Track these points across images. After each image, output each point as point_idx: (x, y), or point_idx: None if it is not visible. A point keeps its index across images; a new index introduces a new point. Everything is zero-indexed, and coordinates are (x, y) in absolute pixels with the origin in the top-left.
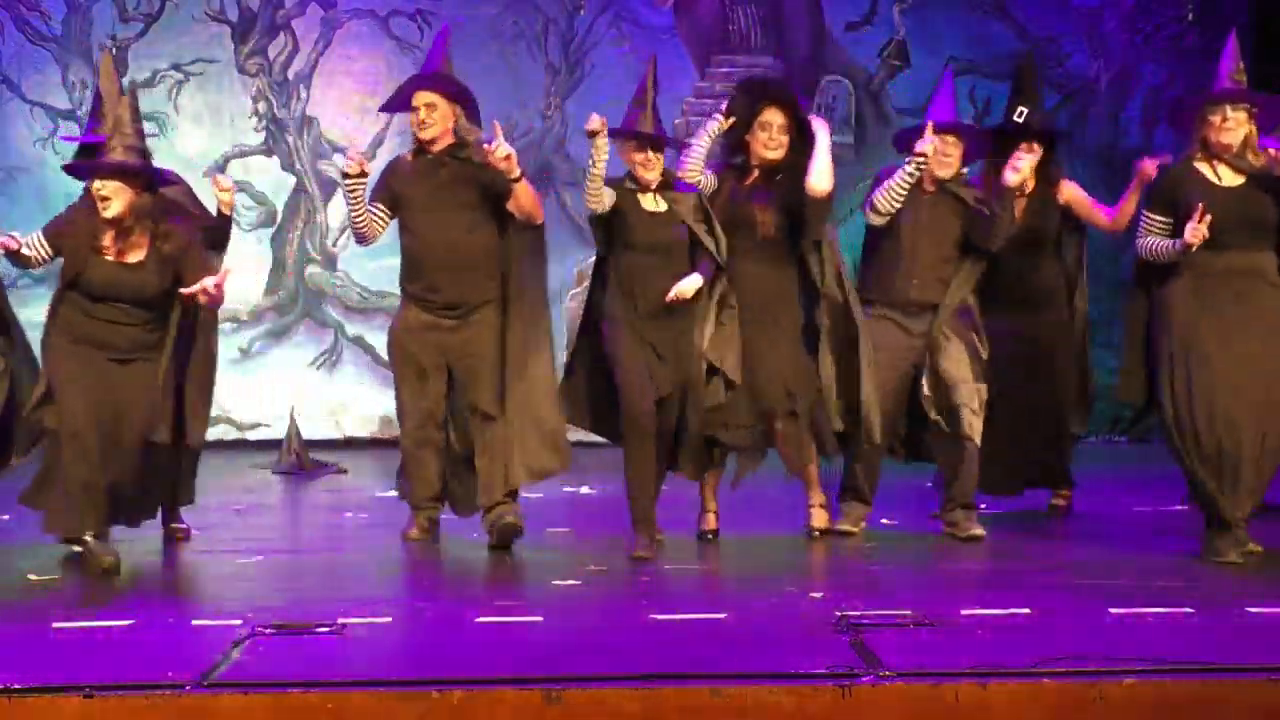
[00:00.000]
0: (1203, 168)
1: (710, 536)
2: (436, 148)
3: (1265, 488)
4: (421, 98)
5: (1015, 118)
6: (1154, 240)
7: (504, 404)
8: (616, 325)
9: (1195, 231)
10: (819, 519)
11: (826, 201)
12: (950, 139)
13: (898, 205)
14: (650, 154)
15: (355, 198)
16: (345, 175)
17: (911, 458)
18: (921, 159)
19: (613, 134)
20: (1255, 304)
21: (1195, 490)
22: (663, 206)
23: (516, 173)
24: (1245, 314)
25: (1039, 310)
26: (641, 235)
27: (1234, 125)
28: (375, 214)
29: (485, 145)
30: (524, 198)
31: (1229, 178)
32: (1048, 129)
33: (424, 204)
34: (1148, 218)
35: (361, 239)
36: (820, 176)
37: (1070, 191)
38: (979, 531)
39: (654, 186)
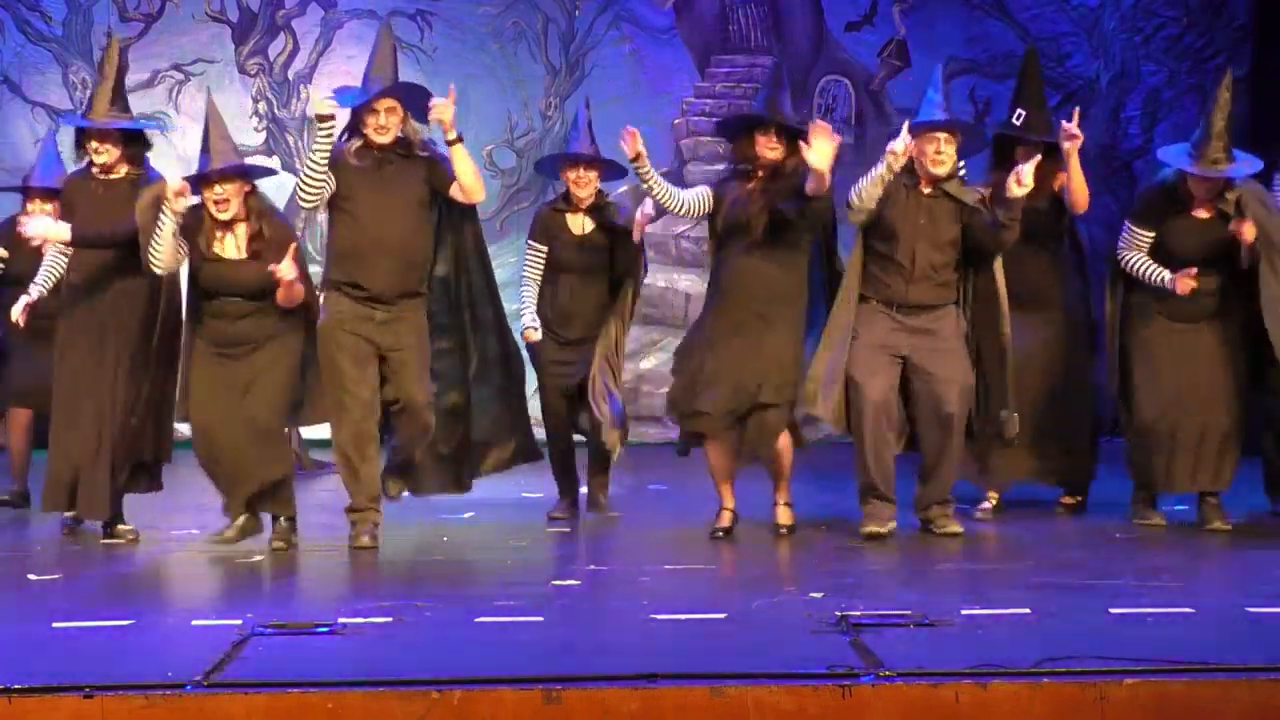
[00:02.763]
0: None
1: (721, 535)
2: (384, 147)
3: (1215, 471)
4: (385, 102)
5: (1014, 120)
6: (1141, 260)
7: (466, 398)
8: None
9: (1184, 284)
10: (784, 516)
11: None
12: (943, 136)
13: (873, 202)
14: (583, 172)
15: (325, 145)
16: (320, 118)
17: (909, 449)
18: (891, 157)
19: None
20: (1210, 319)
21: (1133, 461)
22: (590, 228)
23: (453, 134)
24: (1200, 328)
25: (1048, 309)
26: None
27: (1212, 185)
28: (328, 179)
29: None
30: (463, 164)
31: (1202, 210)
32: (1048, 133)
33: (368, 198)
34: (1132, 230)
35: (314, 195)
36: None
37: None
38: (957, 528)
39: (585, 207)
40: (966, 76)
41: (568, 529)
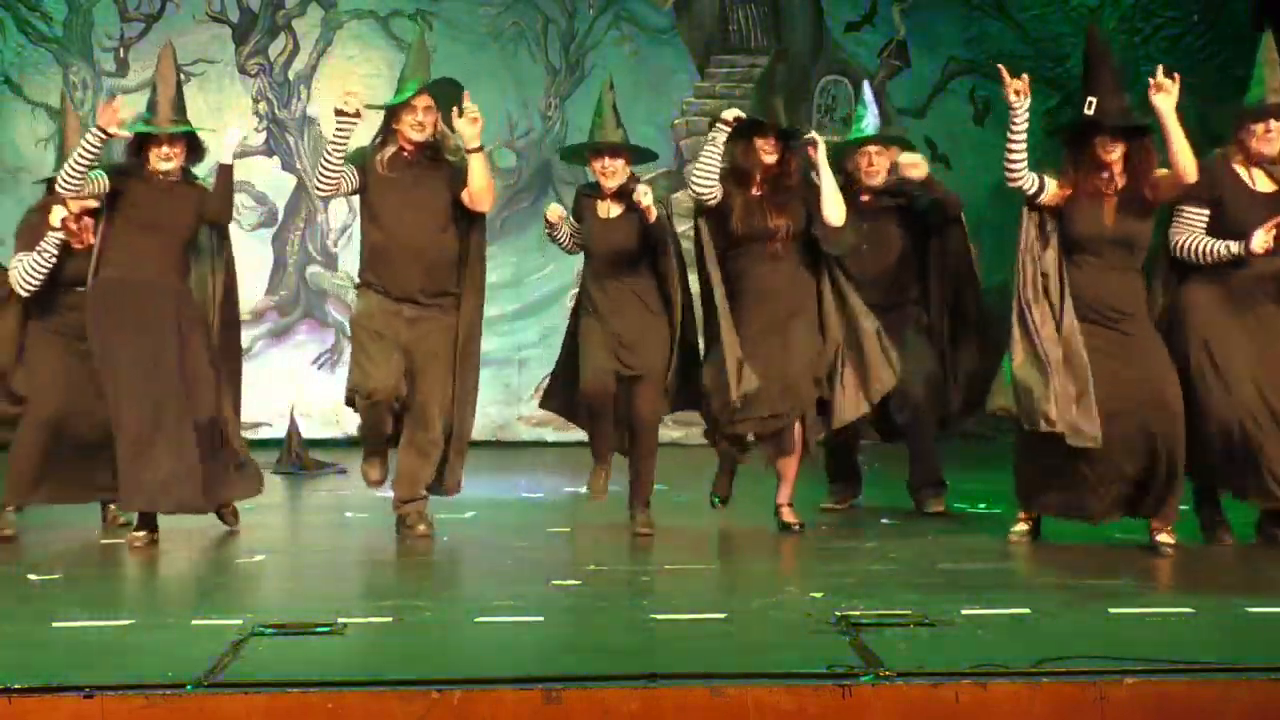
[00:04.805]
0: (1239, 170)
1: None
2: (416, 149)
3: None
4: (423, 100)
5: (1086, 110)
6: (1197, 239)
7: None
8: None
9: (1261, 240)
10: (790, 515)
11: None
12: (875, 148)
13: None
14: (608, 162)
15: (343, 140)
16: (340, 114)
17: (886, 439)
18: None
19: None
20: (1273, 307)
21: (1203, 482)
22: (617, 212)
23: (476, 143)
24: (1263, 316)
25: (1137, 319)
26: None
27: (1275, 136)
28: (345, 172)
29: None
30: (477, 172)
31: (1263, 183)
32: (1127, 119)
33: (397, 201)
34: (1184, 212)
35: (330, 187)
36: (831, 210)
37: (1158, 177)
38: (939, 508)
39: (612, 194)
40: (966, 77)
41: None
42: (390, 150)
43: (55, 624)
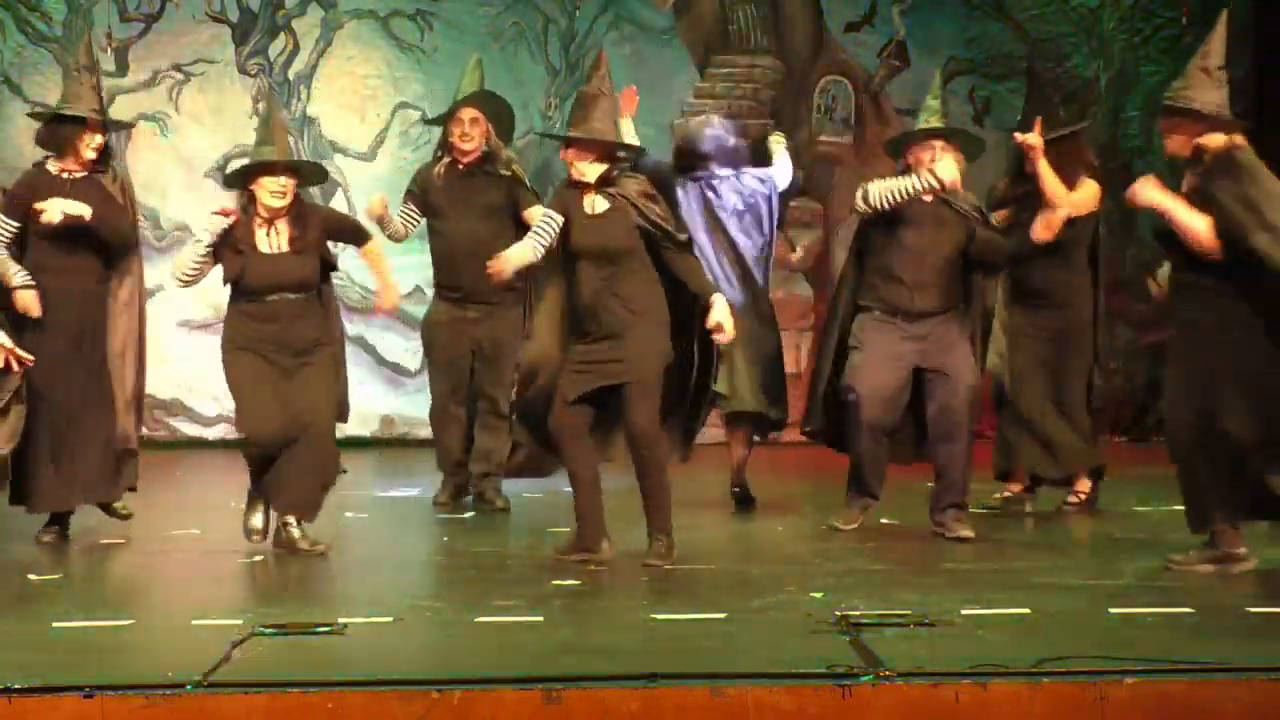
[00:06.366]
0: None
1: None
2: (469, 159)
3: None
4: (467, 112)
5: (1019, 120)
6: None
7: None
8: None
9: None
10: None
11: None
12: (940, 145)
13: (889, 207)
14: (575, 162)
15: (389, 229)
16: (378, 220)
17: (915, 459)
18: (936, 186)
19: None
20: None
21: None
22: (604, 207)
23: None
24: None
25: (1063, 309)
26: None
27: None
28: (406, 216)
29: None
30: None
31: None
32: (1052, 131)
33: (454, 211)
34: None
35: (403, 236)
36: None
37: (1087, 189)
38: (967, 533)
39: (596, 187)
40: (966, 77)
41: (582, 556)
42: (446, 161)
43: (55, 624)
